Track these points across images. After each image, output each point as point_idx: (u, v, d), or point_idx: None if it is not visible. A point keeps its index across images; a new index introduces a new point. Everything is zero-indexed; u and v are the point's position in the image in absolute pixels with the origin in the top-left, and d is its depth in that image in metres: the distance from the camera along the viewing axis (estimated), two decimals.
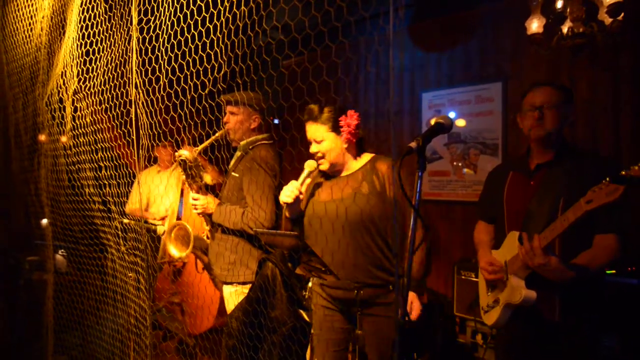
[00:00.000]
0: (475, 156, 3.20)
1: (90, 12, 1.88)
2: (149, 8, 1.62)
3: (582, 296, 1.41)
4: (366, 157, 1.69)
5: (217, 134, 1.96)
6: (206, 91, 1.49)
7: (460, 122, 3.27)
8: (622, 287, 2.14)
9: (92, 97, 1.97)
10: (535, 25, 2.31)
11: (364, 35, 3.48)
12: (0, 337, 2.79)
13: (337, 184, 1.64)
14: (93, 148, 2.00)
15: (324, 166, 1.63)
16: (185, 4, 1.47)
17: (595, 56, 2.64)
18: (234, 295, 1.91)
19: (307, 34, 1.15)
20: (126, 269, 1.97)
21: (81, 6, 1.92)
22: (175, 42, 1.54)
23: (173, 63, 1.55)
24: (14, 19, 2.49)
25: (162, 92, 1.65)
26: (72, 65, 2.03)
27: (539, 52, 2.36)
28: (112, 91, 1.85)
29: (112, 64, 1.84)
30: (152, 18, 1.62)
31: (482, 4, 3.12)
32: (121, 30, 1.76)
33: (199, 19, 1.41)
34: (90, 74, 1.96)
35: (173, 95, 1.59)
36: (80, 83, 2.02)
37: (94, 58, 1.93)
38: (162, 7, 1.57)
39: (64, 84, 2.11)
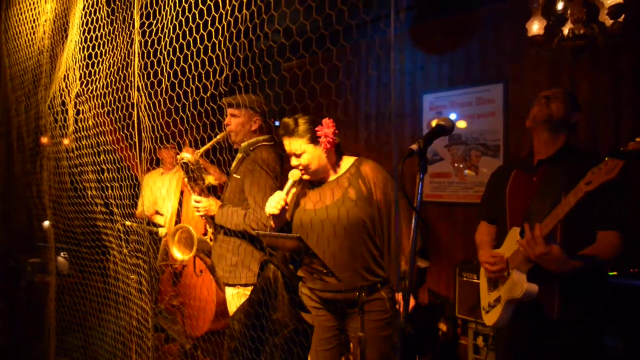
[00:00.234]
0: (477, 157, 3.20)
1: (92, 15, 1.89)
2: (151, 12, 1.62)
3: (584, 286, 1.41)
4: (348, 160, 1.70)
5: (218, 136, 1.97)
6: (208, 94, 1.50)
7: (462, 124, 3.27)
8: (624, 288, 2.14)
9: (95, 100, 1.98)
10: (535, 27, 2.32)
11: (365, 38, 3.50)
12: (1, 339, 2.80)
13: (323, 191, 1.65)
14: (95, 151, 2.01)
15: (307, 177, 1.65)
16: (187, 8, 1.48)
17: (596, 58, 2.64)
18: (235, 297, 1.92)
19: (308, 37, 1.16)
20: (128, 271, 1.97)
21: (83, 10, 1.93)
22: (177, 46, 1.55)
23: (175, 66, 1.56)
24: (16, 22, 2.50)
25: (164, 95, 1.66)
26: (74, 69, 2.04)
27: (540, 53, 2.37)
28: (114, 94, 1.86)
29: (114, 67, 1.85)
30: (154, 21, 1.63)
31: (483, 6, 3.12)
32: (123, 33, 1.77)
33: (200, 22, 1.42)
34: (93, 77, 1.97)
35: (175, 98, 1.59)
36: (83, 86, 2.03)
37: (96, 61, 1.94)
38: (164, 11, 1.58)
39: (66, 87, 2.12)
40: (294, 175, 1.63)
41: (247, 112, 1.98)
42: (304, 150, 1.60)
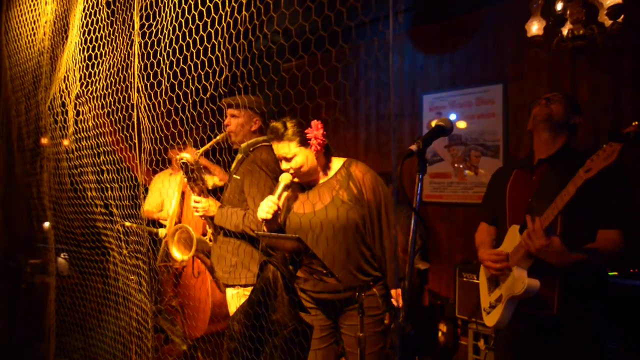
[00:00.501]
0: (476, 158, 3.20)
1: (92, 17, 1.89)
2: (151, 13, 1.63)
3: (585, 282, 1.41)
4: (337, 162, 1.71)
5: (218, 137, 1.97)
6: (207, 95, 1.50)
7: (461, 124, 3.27)
8: (625, 288, 2.14)
9: (94, 101, 1.98)
10: (535, 27, 2.32)
11: (364, 39, 3.50)
12: (1, 339, 2.80)
13: (314, 193, 1.66)
14: (95, 152, 2.01)
15: (298, 179, 1.66)
16: (186, 9, 1.48)
17: (596, 58, 2.64)
18: (235, 298, 1.92)
19: (307, 39, 1.16)
20: (128, 272, 1.97)
21: (83, 11, 1.94)
22: (176, 47, 1.56)
23: (175, 67, 1.57)
24: (17, 24, 2.51)
25: (163, 96, 1.66)
26: (74, 70, 2.05)
27: (540, 54, 2.37)
28: (114, 95, 1.86)
29: (114, 68, 1.85)
30: (154, 23, 1.63)
31: (483, 6, 3.13)
32: (123, 34, 1.78)
33: (200, 23, 1.42)
34: (93, 78, 1.98)
35: (175, 99, 1.60)
36: (83, 87, 2.03)
37: (96, 62, 1.94)
38: (163, 12, 1.58)
39: (66, 88, 2.13)
40: (284, 178, 1.63)
41: (246, 113, 1.99)
42: (294, 154, 1.61)
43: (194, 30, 1.45)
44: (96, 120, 1.99)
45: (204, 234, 2.34)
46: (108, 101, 1.90)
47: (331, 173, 1.68)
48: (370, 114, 3.84)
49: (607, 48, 2.40)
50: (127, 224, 1.98)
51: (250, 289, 1.75)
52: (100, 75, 1.93)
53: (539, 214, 1.39)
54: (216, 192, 2.28)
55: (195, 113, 1.56)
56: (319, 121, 1.62)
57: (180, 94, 1.57)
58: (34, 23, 2.38)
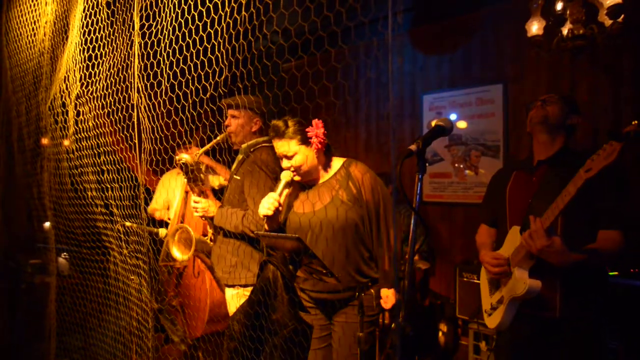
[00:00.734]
0: (477, 158, 3.20)
1: (92, 17, 1.90)
2: (151, 13, 1.63)
3: (585, 281, 1.41)
4: (337, 162, 1.71)
5: (218, 138, 1.98)
6: (207, 95, 1.50)
7: (462, 124, 3.27)
8: (625, 288, 2.14)
9: (95, 102, 1.98)
10: (535, 27, 2.32)
11: (363, 40, 3.51)
12: (1, 339, 2.81)
13: (314, 193, 1.67)
14: (95, 152, 2.01)
15: (299, 178, 1.66)
16: (186, 10, 1.48)
17: (596, 58, 2.64)
18: (235, 298, 1.92)
19: (306, 39, 1.16)
20: (128, 272, 1.98)
21: (84, 12, 1.94)
22: (176, 47, 1.56)
23: (175, 67, 1.57)
24: (17, 25, 2.51)
25: (163, 97, 1.66)
26: (74, 70, 2.05)
27: (540, 54, 2.37)
28: (114, 95, 1.86)
29: (114, 68, 1.86)
30: (154, 23, 1.63)
31: (483, 6, 3.13)
32: (123, 35, 1.78)
33: (200, 24, 1.43)
34: (93, 78, 1.98)
35: (175, 99, 1.60)
36: (83, 87, 2.03)
37: (96, 63, 1.95)
38: (163, 13, 1.59)
39: (66, 88, 2.13)
40: (285, 176, 1.64)
41: (247, 113, 1.99)
42: (295, 152, 1.61)
43: (193, 31, 1.46)
44: (96, 120, 2.00)
45: (205, 234, 2.34)
46: (108, 101, 1.90)
47: (331, 173, 1.69)
48: (370, 114, 3.84)
49: (607, 48, 2.40)
50: (128, 224, 1.98)
51: (250, 289, 1.75)
52: (101, 75, 1.93)
53: (540, 215, 1.39)
54: (220, 193, 2.29)
55: (195, 113, 1.56)
56: (320, 120, 1.63)
57: (180, 94, 1.57)
58: (35, 23, 2.38)
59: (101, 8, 1.86)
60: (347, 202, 1.60)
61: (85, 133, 2.06)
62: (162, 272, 2.44)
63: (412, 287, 2.92)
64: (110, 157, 1.96)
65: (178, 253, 2.31)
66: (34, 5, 2.37)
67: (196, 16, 1.44)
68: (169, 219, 2.79)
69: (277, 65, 1.25)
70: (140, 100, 1.73)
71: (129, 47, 1.75)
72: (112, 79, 1.88)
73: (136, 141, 1.77)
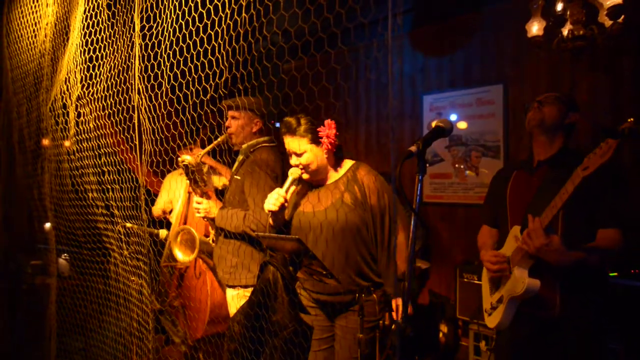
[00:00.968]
0: (477, 158, 3.20)
1: (93, 19, 1.90)
2: (152, 15, 1.63)
3: (584, 280, 1.41)
4: (347, 164, 1.71)
5: (219, 139, 1.98)
6: (208, 97, 1.51)
7: (462, 125, 3.27)
8: (625, 289, 2.13)
9: (95, 103, 1.99)
10: (535, 28, 2.32)
11: (363, 41, 3.51)
12: (2, 341, 2.81)
13: (321, 193, 1.67)
14: (96, 153, 2.02)
15: (307, 176, 1.66)
16: (187, 11, 1.49)
17: (596, 58, 2.64)
18: (235, 299, 1.92)
19: (306, 40, 1.16)
20: (129, 273, 1.98)
21: (84, 13, 1.95)
22: (177, 49, 1.56)
23: (175, 69, 1.57)
24: (18, 26, 2.52)
25: (164, 98, 1.66)
26: (75, 72, 2.06)
27: (540, 54, 2.37)
28: (115, 97, 1.87)
29: (115, 70, 1.86)
30: (155, 25, 1.64)
31: (483, 7, 3.13)
32: (124, 36, 1.78)
33: (200, 26, 1.43)
34: (93, 79, 1.99)
35: (175, 100, 1.60)
36: (84, 89, 2.04)
37: (97, 64, 1.95)
38: (164, 14, 1.59)
39: (67, 89, 2.13)
40: (293, 173, 1.64)
41: (247, 114, 1.99)
42: (304, 150, 1.61)
43: (194, 32, 1.46)
44: (97, 121, 2.00)
45: (207, 235, 2.34)
46: (109, 103, 1.91)
47: (339, 174, 1.69)
48: (370, 115, 3.84)
49: (607, 48, 2.39)
50: (128, 225, 1.98)
51: (250, 289, 1.75)
52: (101, 76, 1.94)
53: (539, 215, 1.40)
54: (222, 194, 2.29)
55: (195, 114, 1.56)
56: (332, 121, 1.63)
57: (181, 95, 1.57)
58: (35, 25, 2.39)
59: (102, 9, 1.86)
60: (349, 204, 1.60)
61: (86, 134, 2.06)
62: (164, 273, 2.45)
63: (413, 287, 2.91)
64: (111, 158, 1.96)
65: (181, 254, 2.31)
66: (35, 6, 2.37)
67: (197, 18, 1.44)
68: (171, 212, 2.79)
69: (277, 67, 1.25)
70: (140, 102, 1.73)
71: (129, 48, 1.75)
72: (112, 80, 1.88)
73: (137, 142, 1.77)
